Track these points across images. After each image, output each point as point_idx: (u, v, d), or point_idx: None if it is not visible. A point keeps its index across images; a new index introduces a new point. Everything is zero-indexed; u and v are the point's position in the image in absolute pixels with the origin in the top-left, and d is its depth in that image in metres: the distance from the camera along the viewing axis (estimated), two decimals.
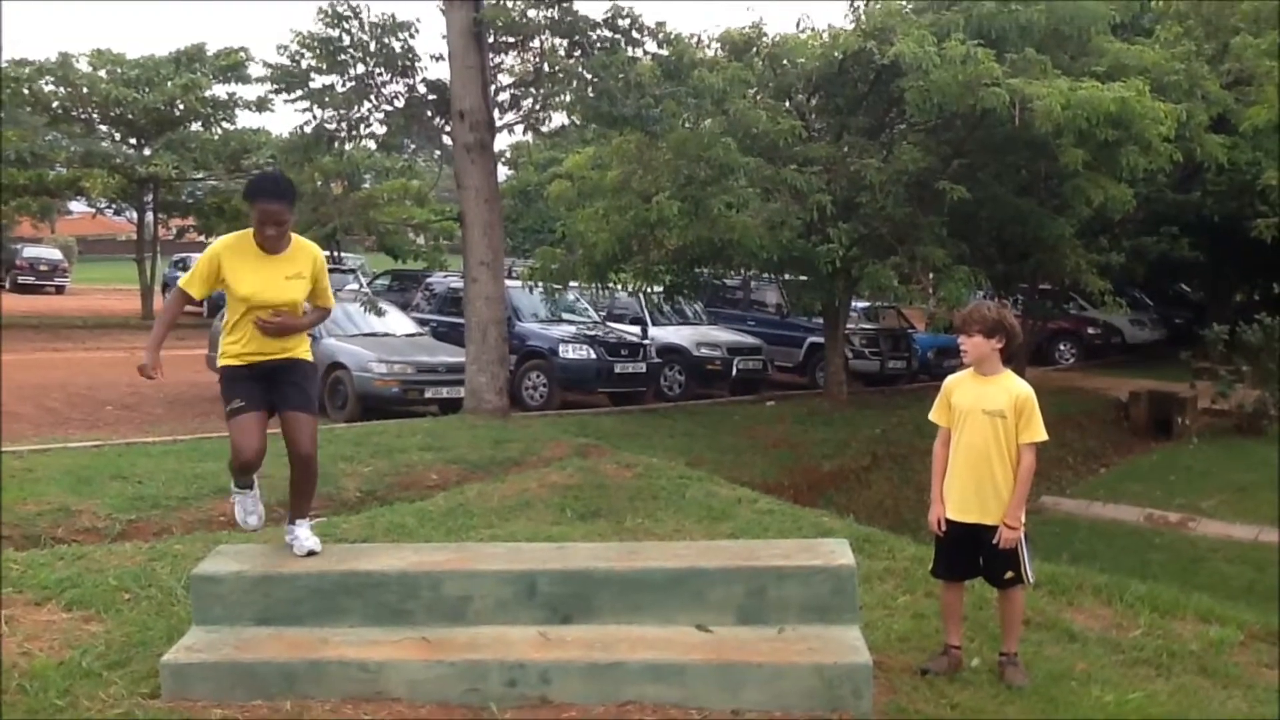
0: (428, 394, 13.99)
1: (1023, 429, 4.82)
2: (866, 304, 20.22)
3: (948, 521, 4.91)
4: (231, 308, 4.90)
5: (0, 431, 10.72)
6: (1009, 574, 4.89)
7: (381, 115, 13.98)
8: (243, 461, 4.97)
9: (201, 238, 34.08)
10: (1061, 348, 25.68)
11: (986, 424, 4.82)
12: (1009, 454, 4.82)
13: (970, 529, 4.86)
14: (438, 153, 22.85)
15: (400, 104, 13.94)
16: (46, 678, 4.41)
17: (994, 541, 4.80)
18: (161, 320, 5.02)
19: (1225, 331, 18.65)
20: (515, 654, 4.41)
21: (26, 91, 25.48)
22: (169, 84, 26.71)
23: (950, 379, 5.11)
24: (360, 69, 13.71)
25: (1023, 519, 4.86)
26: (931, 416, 5.09)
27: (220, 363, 5.02)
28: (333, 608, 4.67)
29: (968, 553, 4.93)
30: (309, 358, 5.11)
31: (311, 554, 4.92)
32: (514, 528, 7.30)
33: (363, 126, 14.20)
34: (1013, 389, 4.87)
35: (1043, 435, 4.83)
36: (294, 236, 4.99)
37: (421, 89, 13.91)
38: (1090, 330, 26.04)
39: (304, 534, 5.02)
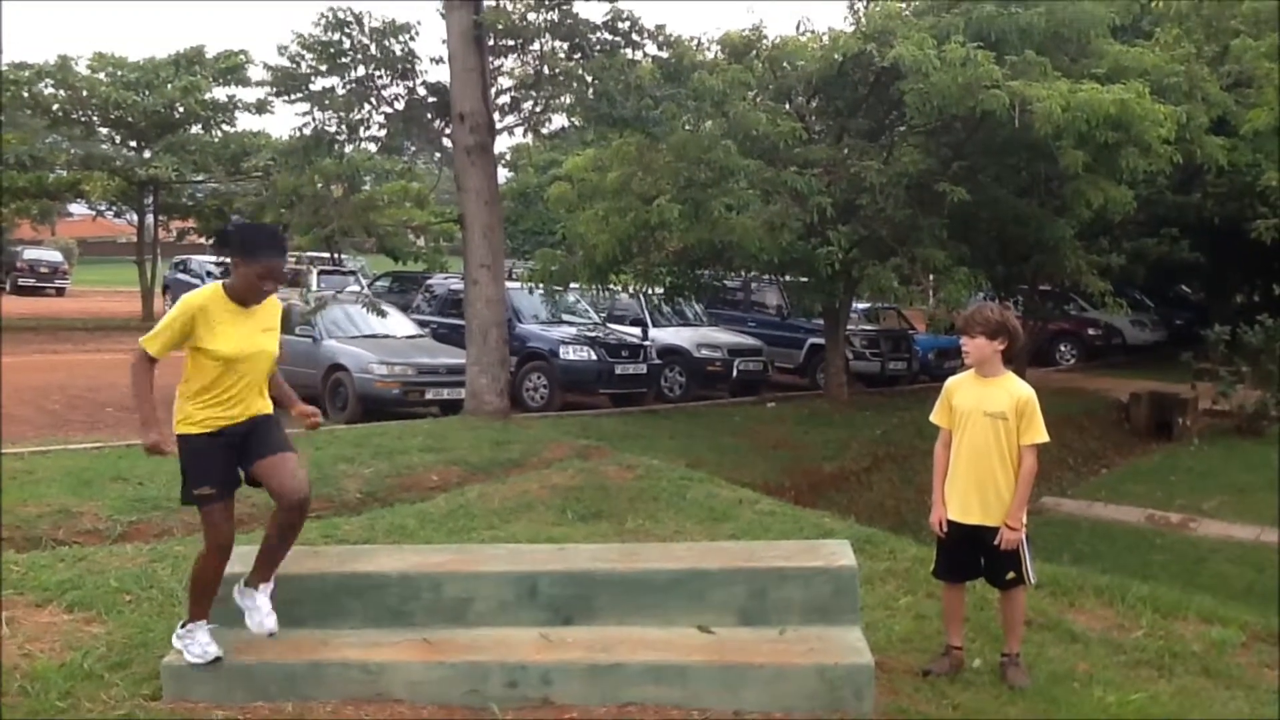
0: (428, 395, 13.99)
1: (1024, 431, 4.83)
2: (867, 305, 20.22)
3: (949, 523, 4.92)
4: (201, 369, 4.52)
5: (0, 433, 10.71)
6: (1010, 574, 4.89)
7: (381, 118, 13.98)
8: (224, 548, 4.47)
9: (202, 240, 34.08)
10: (1062, 349, 25.68)
11: (988, 426, 4.83)
12: (1010, 455, 4.83)
13: (972, 530, 4.87)
14: (438, 155, 22.85)
15: (400, 106, 13.94)
16: (48, 679, 4.41)
17: (995, 542, 4.80)
18: (143, 397, 4.57)
19: (1226, 333, 18.64)
20: (516, 655, 4.41)
21: (26, 94, 25.46)
22: (169, 87, 26.70)
23: (951, 381, 5.11)
24: (360, 71, 13.71)
25: (1024, 520, 4.86)
26: (932, 418, 5.09)
27: (180, 430, 4.54)
28: (333, 609, 4.67)
29: (969, 554, 4.93)
30: (271, 411, 4.69)
31: (271, 635, 4.47)
32: (515, 529, 7.29)
33: (363, 129, 14.20)
34: (1014, 391, 4.87)
35: (1044, 437, 4.84)
36: None
37: (421, 91, 13.92)
38: (1091, 331, 26.04)
39: (265, 605, 4.52)
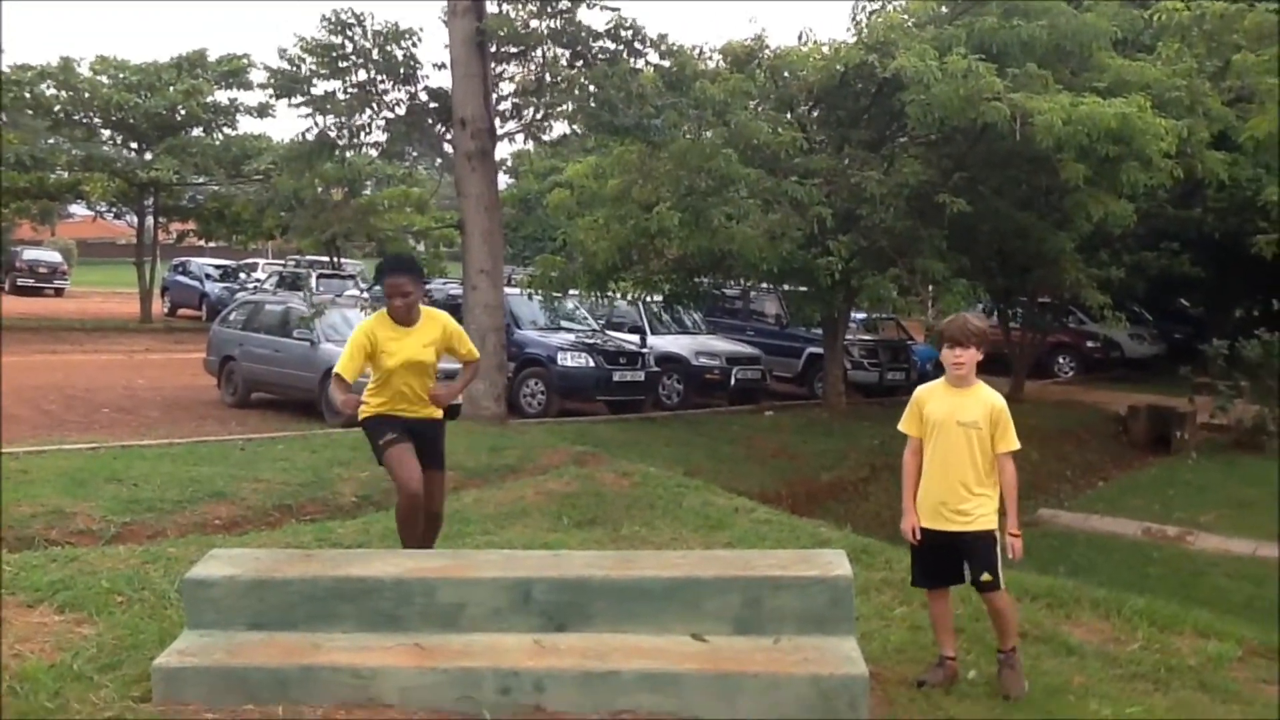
0: None
1: (999, 439, 4.88)
2: (865, 315, 20.22)
3: (925, 531, 4.92)
4: (377, 373, 5.72)
5: (0, 434, 10.70)
6: (986, 576, 4.85)
7: (383, 122, 14.00)
8: (411, 493, 5.55)
9: (201, 242, 34.10)
10: (1061, 361, 25.68)
11: (961, 435, 4.86)
12: (982, 463, 4.86)
13: (947, 537, 4.86)
14: (439, 160, 22.87)
15: (402, 111, 13.96)
16: (37, 680, 4.38)
17: (977, 548, 4.81)
18: (335, 392, 5.71)
19: (1225, 347, 18.63)
20: (509, 662, 4.38)
21: (28, 95, 25.52)
22: (170, 89, 26.76)
23: (921, 390, 5.14)
24: (362, 76, 13.74)
25: (994, 524, 4.87)
26: (901, 427, 5.11)
27: (364, 414, 5.79)
28: (326, 613, 4.64)
29: (945, 561, 4.93)
30: (440, 417, 5.93)
31: None
32: (510, 535, 7.27)
33: (364, 134, 14.22)
34: (987, 400, 4.91)
35: (1017, 444, 4.90)
36: (424, 309, 5.84)
37: (423, 97, 13.93)
38: (1090, 344, 26.02)
39: None
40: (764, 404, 17.79)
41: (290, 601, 4.63)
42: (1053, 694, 4.90)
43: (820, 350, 18.43)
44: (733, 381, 17.91)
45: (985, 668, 5.10)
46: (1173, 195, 19.45)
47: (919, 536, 4.96)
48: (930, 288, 15.73)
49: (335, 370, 5.69)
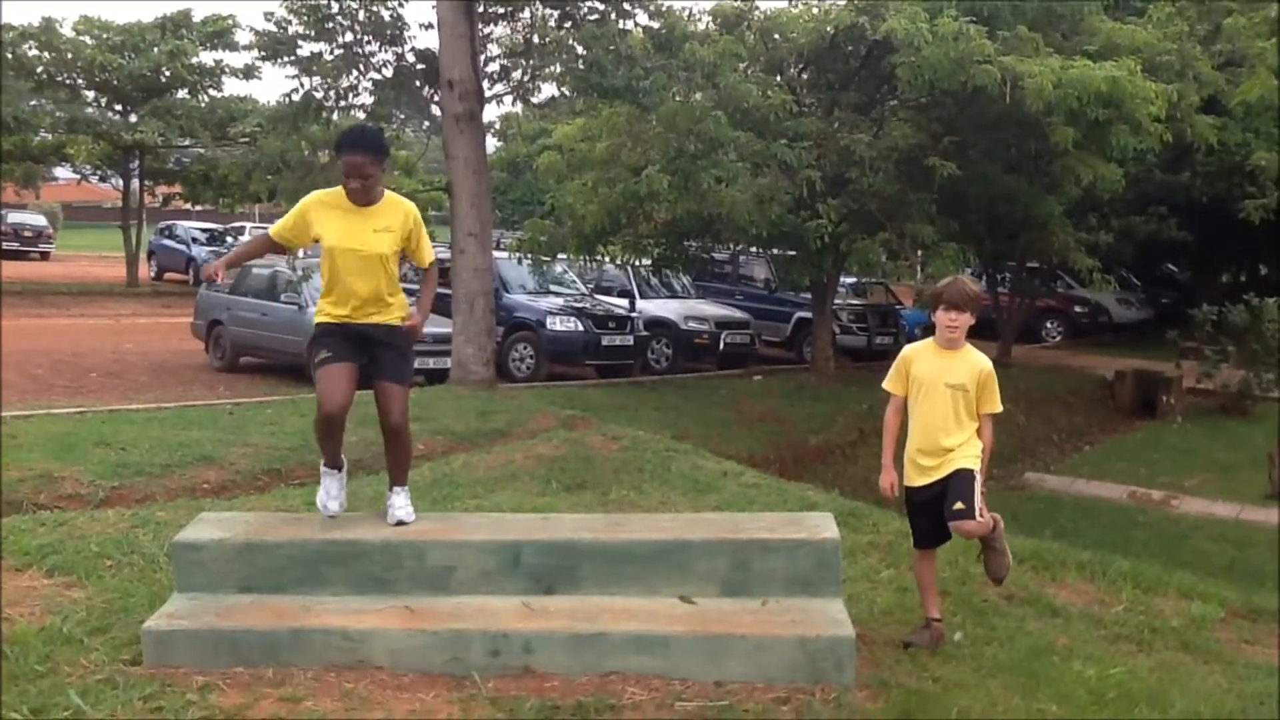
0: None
1: (985, 401, 4.92)
2: (854, 280, 20.22)
3: (913, 490, 4.95)
4: (324, 263, 4.96)
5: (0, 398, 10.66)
6: (959, 505, 4.81)
7: (370, 84, 13.88)
8: (325, 413, 4.89)
9: (187, 205, 33.86)
10: (1049, 326, 25.77)
11: (948, 396, 4.88)
12: (966, 425, 4.90)
13: (931, 490, 4.89)
14: (426, 123, 22.73)
15: (389, 73, 13.83)
16: (27, 643, 4.39)
17: (956, 482, 4.83)
18: (243, 249, 5.26)
19: (1212, 312, 18.69)
20: (498, 624, 4.41)
21: (10, 56, 25.20)
22: (155, 50, 26.46)
23: (909, 349, 5.14)
24: (349, 37, 13.60)
25: (980, 474, 4.90)
26: (886, 385, 5.11)
27: (316, 319, 5.10)
28: (316, 576, 4.66)
29: (935, 515, 4.95)
30: (401, 322, 5.07)
31: (400, 524, 4.90)
32: (499, 499, 7.29)
33: (351, 95, 14.09)
34: (975, 363, 4.93)
35: (999, 407, 4.94)
36: (389, 194, 5.07)
37: (410, 58, 13.80)
38: (1077, 309, 26.12)
39: (399, 502, 5.01)
40: (752, 368, 17.82)
41: (280, 565, 4.64)
42: (1037, 655, 4.95)
43: (809, 315, 18.46)
44: (721, 346, 17.93)
45: (971, 630, 5.15)
46: (1161, 160, 19.44)
47: (897, 493, 5.00)
48: (919, 252, 15.72)
49: (270, 231, 5.15)
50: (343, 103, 14.11)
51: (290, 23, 13.56)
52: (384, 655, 4.34)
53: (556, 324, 15.63)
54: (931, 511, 4.95)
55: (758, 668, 4.30)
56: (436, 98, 13.40)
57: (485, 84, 13.21)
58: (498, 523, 5.33)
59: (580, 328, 15.69)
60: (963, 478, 4.85)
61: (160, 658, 4.31)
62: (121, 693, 4.02)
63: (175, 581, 4.75)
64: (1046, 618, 5.54)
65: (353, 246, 4.86)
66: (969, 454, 4.87)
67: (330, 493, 5.09)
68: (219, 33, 27.20)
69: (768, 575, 4.66)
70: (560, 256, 16.73)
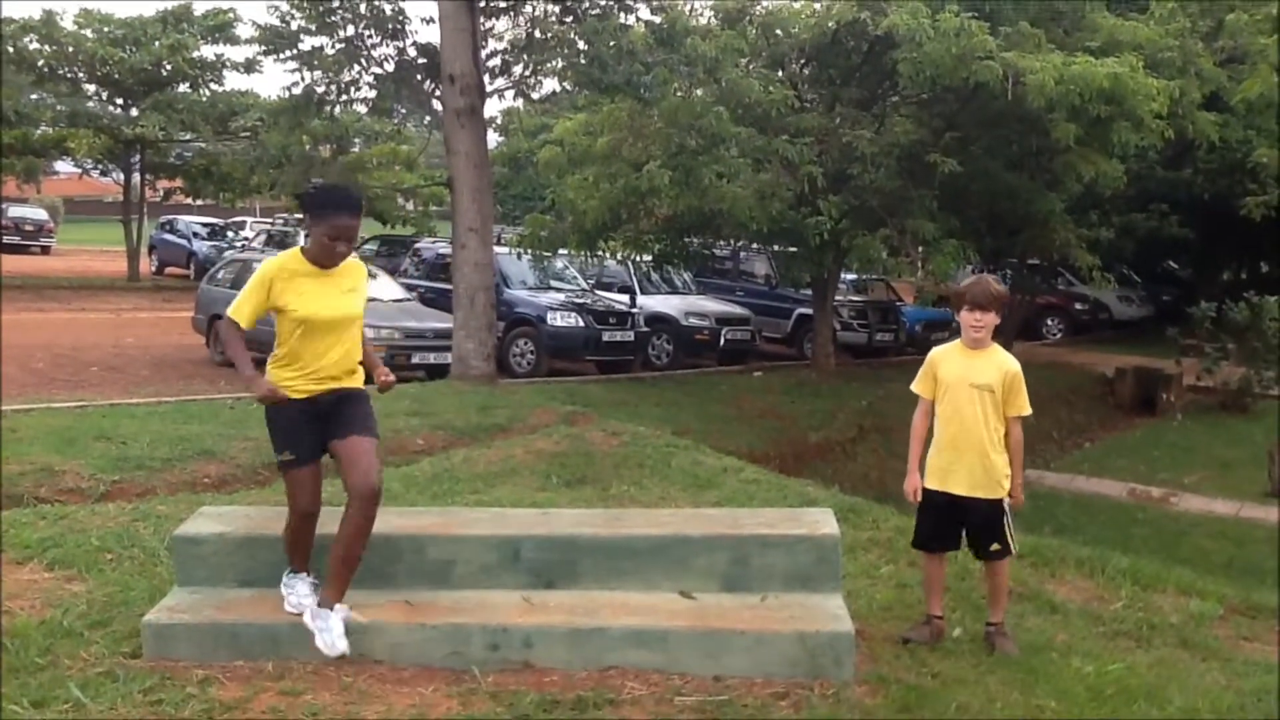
0: (414, 359, 13.94)
1: (1011, 403, 4.86)
2: (855, 276, 20.21)
3: (931, 492, 4.92)
4: (285, 334, 4.44)
5: (0, 392, 10.66)
6: (995, 546, 4.91)
7: (371, 78, 13.89)
8: (304, 513, 4.46)
9: (189, 200, 33.83)
10: (1049, 323, 25.75)
11: (974, 397, 4.83)
12: (994, 427, 4.84)
13: (954, 501, 4.87)
14: (427, 118, 22.70)
15: (390, 67, 13.83)
16: (28, 636, 4.41)
17: (987, 515, 4.83)
18: (239, 356, 4.42)
19: (1212, 309, 18.69)
20: (498, 618, 4.42)
21: (10, 49, 25.16)
22: (156, 44, 26.41)
23: (936, 351, 5.11)
24: (350, 31, 13.60)
25: (1013, 489, 4.89)
26: (914, 388, 5.09)
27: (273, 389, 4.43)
28: (315, 571, 4.66)
29: (950, 524, 4.94)
30: (361, 385, 4.64)
31: (342, 656, 4.31)
32: (499, 494, 7.30)
33: (352, 90, 14.10)
34: (1002, 364, 4.88)
35: (1028, 409, 4.88)
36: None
37: (412, 52, 13.80)
38: (1078, 306, 26.10)
39: (338, 627, 4.33)
40: (753, 364, 17.82)
41: (280, 559, 4.64)
42: (1036, 651, 4.96)
43: (809, 311, 18.45)
44: (722, 342, 17.93)
45: (970, 625, 5.16)
46: (1163, 157, 19.43)
47: (920, 498, 4.96)
48: (920, 248, 15.70)
49: (228, 313, 4.44)
50: (344, 97, 14.14)
51: (292, 17, 13.57)
52: (384, 649, 4.35)
53: (557, 319, 15.62)
54: (941, 520, 4.94)
55: (757, 663, 4.31)
56: (438, 92, 13.40)
57: (486, 78, 13.21)
58: (498, 517, 5.34)
59: (581, 323, 15.68)
60: (995, 512, 4.86)
61: (160, 651, 4.32)
62: (122, 686, 4.04)
63: (175, 575, 4.77)
64: (1045, 614, 5.55)
65: (329, 315, 4.42)
66: (996, 477, 4.85)
67: (336, 632, 4.35)
68: (220, 26, 27.14)
69: (767, 571, 4.67)
70: (561, 252, 16.72)
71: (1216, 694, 4.66)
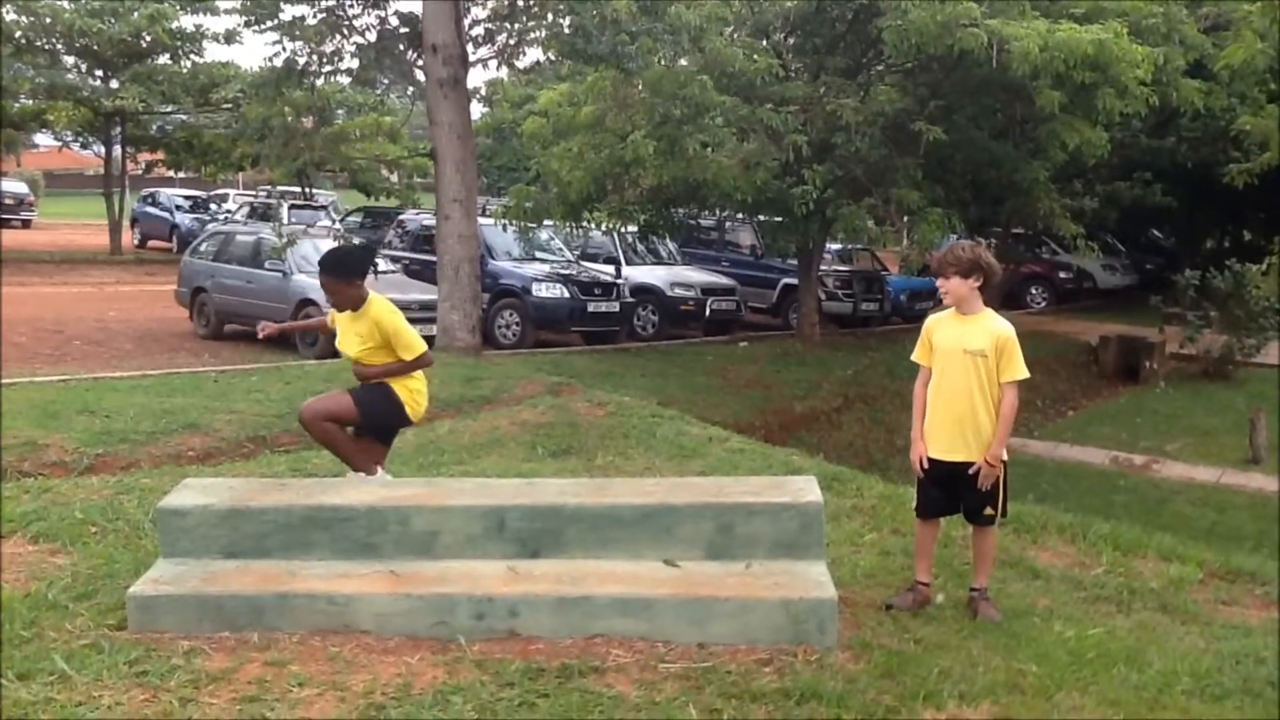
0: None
1: (1004, 368, 4.86)
2: (840, 246, 20.21)
3: (930, 461, 4.94)
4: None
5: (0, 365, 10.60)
6: (988, 510, 4.92)
7: (353, 49, 13.79)
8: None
9: (170, 172, 33.59)
10: (1033, 291, 25.79)
11: (968, 363, 4.84)
12: (990, 392, 4.85)
13: (951, 467, 4.89)
14: (410, 89, 22.57)
15: (372, 37, 13.74)
16: (12, 610, 4.40)
17: (971, 474, 4.84)
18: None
19: (1196, 277, 18.74)
20: (484, 588, 4.43)
21: None
22: (135, 15, 26.12)
23: (931, 318, 5.11)
24: (331, 0, 13.47)
25: (1004, 456, 4.90)
26: (914, 357, 5.08)
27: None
28: (300, 541, 4.66)
29: (948, 491, 4.97)
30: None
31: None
32: (485, 464, 7.31)
33: (334, 60, 13.99)
34: (994, 328, 4.88)
35: (1024, 373, 4.88)
36: (372, 299, 5.59)
37: (393, 21, 13.71)
38: (1062, 274, 26.15)
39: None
40: (739, 335, 17.85)
41: (264, 530, 4.64)
42: (1018, 616, 5.00)
43: (795, 281, 18.46)
44: (707, 312, 17.93)
45: (953, 592, 5.20)
46: (1147, 125, 19.43)
47: (927, 466, 4.97)
48: (905, 218, 15.71)
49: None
50: (326, 68, 14.02)
51: None
52: (369, 619, 4.36)
53: (542, 290, 15.60)
54: (942, 487, 4.96)
55: (741, 630, 4.34)
56: (420, 62, 13.31)
57: (469, 48, 13.13)
58: (483, 487, 5.35)
59: (566, 294, 15.66)
60: (990, 478, 4.87)
61: (145, 623, 4.32)
62: (107, 657, 4.04)
63: (160, 547, 4.76)
64: (1028, 580, 5.60)
65: (341, 348, 5.71)
66: (989, 442, 4.85)
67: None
68: None
69: (752, 539, 4.69)
70: (546, 223, 16.67)
71: (1195, 657, 4.71)
